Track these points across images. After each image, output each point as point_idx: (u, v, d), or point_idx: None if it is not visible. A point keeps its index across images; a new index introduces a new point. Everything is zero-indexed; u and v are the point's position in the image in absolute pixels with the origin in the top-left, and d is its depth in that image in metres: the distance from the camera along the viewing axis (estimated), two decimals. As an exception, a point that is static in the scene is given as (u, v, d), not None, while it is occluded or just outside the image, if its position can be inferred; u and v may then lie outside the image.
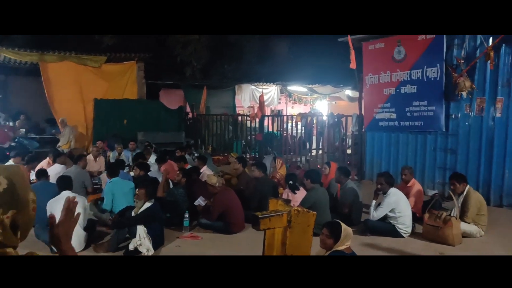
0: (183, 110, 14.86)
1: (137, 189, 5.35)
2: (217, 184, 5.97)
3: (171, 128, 13.14)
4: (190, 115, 15.85)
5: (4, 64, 12.33)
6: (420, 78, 8.61)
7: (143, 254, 5.06)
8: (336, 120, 11.96)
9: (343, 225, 3.56)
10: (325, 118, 13.41)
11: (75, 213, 1.40)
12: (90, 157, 8.96)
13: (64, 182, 5.59)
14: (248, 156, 13.09)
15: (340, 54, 12.99)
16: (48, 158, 7.99)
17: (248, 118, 15.69)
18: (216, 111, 16.72)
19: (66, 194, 5.41)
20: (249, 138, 15.20)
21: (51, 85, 11.77)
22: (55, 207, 5.23)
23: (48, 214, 5.19)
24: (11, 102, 13.84)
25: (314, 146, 14.59)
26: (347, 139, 12.89)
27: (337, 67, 15.99)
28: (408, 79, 8.84)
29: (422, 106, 8.63)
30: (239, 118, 15.78)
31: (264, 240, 2.90)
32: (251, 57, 18.50)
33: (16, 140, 10.88)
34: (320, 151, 12.39)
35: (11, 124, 11.81)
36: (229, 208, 5.95)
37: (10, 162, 7.95)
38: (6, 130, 10.93)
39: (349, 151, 12.36)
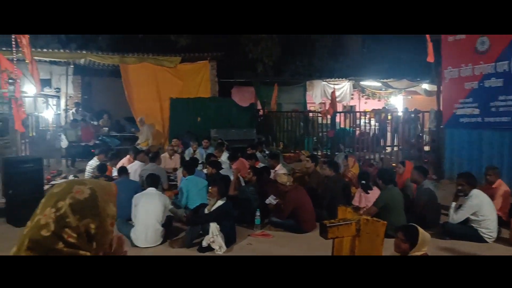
0: (254, 107, 15.02)
1: (210, 187, 5.49)
2: (288, 182, 5.96)
3: (242, 125, 13.33)
4: (261, 112, 15.98)
5: (89, 67, 13.27)
6: (507, 70, 7.94)
7: (215, 251, 5.20)
8: (412, 115, 11.42)
9: (421, 230, 3.38)
10: (400, 113, 12.86)
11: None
12: (165, 155, 9.34)
13: (151, 180, 5.88)
14: (319, 154, 12.93)
15: (416, 47, 12.37)
16: (128, 156, 8.45)
17: (320, 115, 15.48)
18: (287, 107, 16.70)
19: (150, 190, 5.72)
20: (320, 135, 15.00)
21: (131, 85, 12.47)
22: (139, 201, 5.55)
23: (133, 205, 5.54)
24: (95, 102, 14.85)
25: (388, 143, 14.07)
26: (424, 136, 12.26)
27: (413, 60, 15.27)
28: (493, 71, 8.20)
29: (510, 101, 7.96)
30: (310, 114, 15.63)
31: (332, 248, 2.84)
32: (323, 52, 18.22)
33: (100, 138, 11.65)
34: (395, 148, 11.91)
35: (95, 123, 12.66)
36: (300, 206, 5.91)
37: (95, 159, 8.54)
38: (91, 128, 11.74)
39: (426, 149, 11.76)
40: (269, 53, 16.10)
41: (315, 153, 12.18)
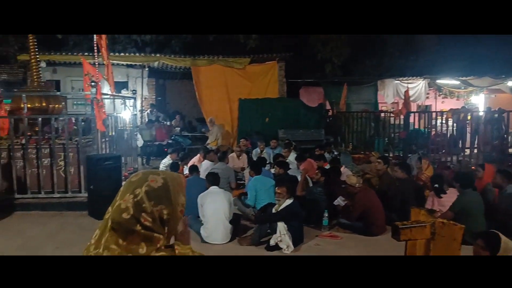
0: (323, 108, 14.82)
1: (277, 187, 5.49)
2: (357, 184, 5.80)
3: (310, 125, 13.20)
4: (330, 113, 15.70)
5: (163, 70, 13.86)
6: None
7: (283, 250, 5.18)
8: (496, 115, 10.63)
9: (503, 237, 3.12)
10: (481, 113, 12.02)
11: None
12: (233, 155, 9.49)
13: (213, 178, 6.02)
14: (390, 155, 12.45)
15: (499, 42, 11.50)
16: (199, 155, 8.70)
17: (392, 115, 14.91)
18: (357, 107, 16.28)
19: (213, 189, 5.85)
20: (392, 136, 14.44)
21: (201, 87, 12.85)
22: (205, 200, 5.70)
23: (199, 206, 5.69)
24: (168, 103, 15.49)
25: (467, 145, 13.21)
26: (509, 137, 11.36)
27: (496, 56, 14.19)
28: None
29: None
30: (382, 114, 15.10)
31: (405, 251, 2.70)
32: (394, 50, 17.54)
33: (172, 137, 12.12)
34: (475, 151, 11.16)
35: (168, 123, 13.19)
36: (370, 209, 5.73)
37: (168, 158, 8.90)
38: (164, 128, 12.25)
39: (511, 151, 10.90)
40: (338, 53, 15.79)
41: (386, 154, 11.75)
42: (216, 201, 5.65)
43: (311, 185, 7.08)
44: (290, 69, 14.08)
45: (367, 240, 5.56)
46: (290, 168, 7.53)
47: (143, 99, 13.69)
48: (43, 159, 6.94)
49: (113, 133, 8.22)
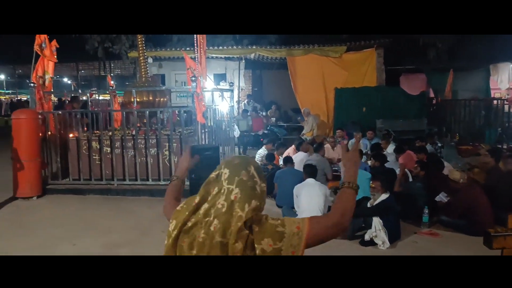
0: (425, 96, 13.95)
1: (372, 181, 5.34)
2: (461, 179, 5.41)
3: (411, 115, 12.51)
4: (433, 101, 14.74)
5: (259, 61, 14.11)
6: None
7: (378, 246, 5.05)
8: None
9: None
10: None
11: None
12: (328, 146, 9.38)
13: (311, 170, 6.05)
14: (505, 147, 11.35)
15: None
16: (293, 146, 8.76)
17: (506, 102, 13.55)
18: (464, 95, 15.08)
19: (310, 181, 5.87)
20: (507, 125, 13.14)
21: (297, 77, 12.86)
22: (300, 191, 5.75)
23: (294, 196, 5.76)
24: (264, 94, 15.77)
25: None
26: None
27: None
28: None
29: None
30: (494, 102, 13.79)
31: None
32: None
33: (268, 128, 12.34)
34: None
35: (264, 113, 13.45)
36: (475, 206, 5.33)
37: (263, 148, 9.10)
38: (261, 119, 12.52)
39: None
40: (443, 37, 14.68)
41: (499, 146, 10.73)
42: (312, 193, 5.66)
43: (410, 179, 6.76)
44: (389, 56, 13.45)
45: (470, 239, 5.18)
46: (387, 161, 7.26)
47: (240, 90, 14.11)
48: (150, 149, 7.51)
49: (212, 124, 8.60)
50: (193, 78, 7.22)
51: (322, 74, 12.81)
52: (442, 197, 5.65)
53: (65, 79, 31.13)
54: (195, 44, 7.75)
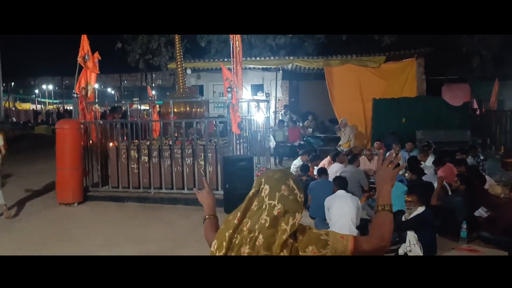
0: (468, 106, 13.47)
1: (407, 195, 5.21)
2: (502, 194, 5.18)
3: (454, 126, 12.10)
4: (477, 112, 14.21)
5: (296, 71, 14.14)
6: None
7: (413, 262, 4.91)
8: None
9: None
10: None
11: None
12: (364, 158, 9.23)
13: (341, 182, 5.98)
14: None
15: None
16: (328, 157, 8.69)
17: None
18: (510, 105, 14.47)
19: (341, 193, 5.80)
20: (555, 137, 12.48)
21: (334, 87, 12.78)
22: (332, 204, 5.68)
23: (326, 209, 5.70)
24: (301, 104, 15.74)
25: None
26: None
27: None
28: None
29: None
30: (543, 113, 13.13)
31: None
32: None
33: (304, 138, 12.29)
34: None
35: (300, 124, 13.41)
36: (519, 223, 5.08)
37: (298, 159, 9.07)
38: (297, 129, 12.50)
39: None
40: (488, 44, 14.17)
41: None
42: (344, 206, 5.58)
43: (450, 193, 6.53)
44: (430, 65, 13.13)
45: (513, 257, 4.93)
46: (425, 174, 7.06)
47: (277, 101, 14.17)
48: (186, 159, 7.66)
49: (247, 135, 8.68)
50: (228, 89, 7.33)
51: (359, 84, 12.67)
52: (482, 212, 5.43)
53: (109, 90, 32.35)
54: (231, 55, 7.86)
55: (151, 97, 9.76)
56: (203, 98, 8.67)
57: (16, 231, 6.28)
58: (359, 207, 5.67)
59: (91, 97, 8.25)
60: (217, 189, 7.47)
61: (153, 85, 27.35)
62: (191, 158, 7.68)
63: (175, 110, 8.29)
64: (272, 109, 13.96)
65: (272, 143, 10.26)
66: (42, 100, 34.22)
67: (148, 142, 7.92)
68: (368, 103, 12.51)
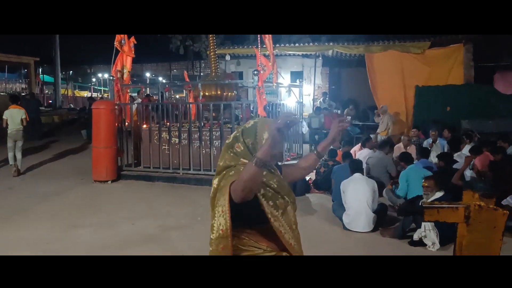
0: (524, 96, 12.61)
1: (424, 180, 5.03)
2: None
3: (505, 116, 11.41)
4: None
5: (337, 58, 13.85)
6: None
7: (427, 247, 4.77)
8: None
9: None
10: None
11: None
12: (400, 145, 8.96)
13: (354, 165, 5.90)
14: None
15: None
16: (360, 144, 8.54)
17: None
18: None
19: (356, 176, 5.71)
20: None
21: (375, 74, 12.41)
22: (347, 187, 5.62)
23: (341, 192, 5.64)
24: (342, 92, 15.44)
25: None
26: None
27: None
28: None
29: None
30: None
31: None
32: None
33: (341, 126, 12.05)
34: None
35: (338, 111, 13.17)
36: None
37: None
38: (333, 116, 12.29)
39: None
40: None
41: None
42: (359, 188, 5.51)
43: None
44: (480, 51, 12.38)
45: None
46: (456, 161, 6.76)
47: (316, 88, 13.99)
48: (214, 141, 7.81)
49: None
50: (255, 72, 7.37)
51: (401, 70, 12.21)
52: (510, 201, 5.13)
53: (160, 78, 33.37)
54: (259, 41, 7.90)
55: (187, 82, 9.98)
56: (229, 81, 8.70)
57: (52, 203, 6.74)
58: (375, 190, 5.57)
59: (126, 79, 8.58)
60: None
61: (202, 73, 27.86)
62: (219, 141, 7.81)
63: (207, 93, 8.45)
64: (311, 96, 13.84)
65: (305, 129, 10.18)
66: (98, 88, 35.94)
67: (178, 124, 8.14)
68: (410, 90, 12.04)
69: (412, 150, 9.01)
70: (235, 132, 2.04)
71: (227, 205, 1.84)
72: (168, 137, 8.11)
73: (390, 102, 12.03)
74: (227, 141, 2.04)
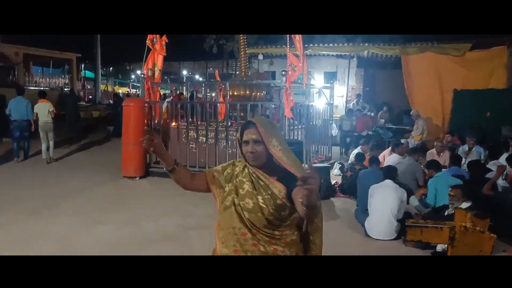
0: None
1: (450, 189, 4.82)
2: None
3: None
4: None
5: (372, 59, 13.54)
6: None
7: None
8: None
9: None
10: None
11: None
12: (433, 151, 8.66)
13: (387, 171, 5.74)
14: None
15: None
16: (390, 148, 8.30)
17: None
18: None
19: (387, 182, 5.54)
20: None
21: (411, 76, 12.05)
22: (375, 192, 5.48)
23: (369, 196, 5.49)
24: (377, 94, 15.08)
25: None
26: None
27: None
28: None
29: None
30: None
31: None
32: None
33: (374, 129, 11.79)
34: None
35: (372, 114, 12.87)
36: None
37: (358, 148, 8.78)
38: (366, 119, 12.03)
39: None
40: None
41: None
42: (386, 195, 5.35)
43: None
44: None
45: None
46: (490, 170, 6.43)
47: (350, 90, 13.74)
48: (241, 141, 7.79)
49: (306, 121, 8.58)
50: (283, 73, 7.30)
51: (439, 73, 11.79)
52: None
53: (197, 76, 33.80)
54: (288, 41, 7.82)
55: (218, 81, 10.03)
56: (257, 81, 8.66)
57: (80, 198, 6.94)
58: (403, 200, 5.39)
59: (157, 78, 8.71)
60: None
61: (237, 72, 27.99)
62: (246, 141, 7.78)
63: (235, 93, 8.47)
64: (344, 97, 13.60)
65: (335, 131, 10.00)
66: (137, 84, 36.78)
67: (205, 124, 8.19)
68: (447, 94, 11.61)
69: (445, 156, 8.68)
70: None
71: None
72: (195, 136, 8.17)
73: (426, 106, 11.67)
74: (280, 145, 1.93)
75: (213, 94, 17.31)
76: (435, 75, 11.81)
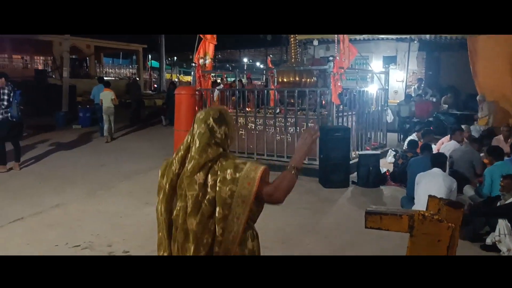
0: None
1: (502, 179, 4.49)
2: None
3: None
4: None
5: (435, 41, 12.76)
6: None
7: (501, 253, 4.28)
8: None
9: None
10: None
11: None
12: (499, 137, 8.07)
13: (435, 159, 5.46)
14: None
15: None
16: (449, 135, 7.86)
17: None
18: None
19: (435, 170, 5.28)
20: None
21: (477, 58, 11.23)
22: (421, 179, 5.27)
23: (415, 184, 5.29)
24: (441, 78, 14.25)
25: None
26: None
27: None
28: None
29: None
30: None
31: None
32: None
33: (435, 115, 11.19)
34: None
35: (435, 99, 12.21)
36: None
37: (414, 135, 8.40)
38: (427, 105, 11.43)
39: None
40: None
41: None
42: (432, 184, 5.09)
43: None
44: None
45: None
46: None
47: (411, 74, 13.10)
48: (289, 128, 7.78)
49: (355, 107, 8.35)
50: (330, 58, 7.15)
51: (509, 55, 10.89)
52: None
53: (258, 63, 33.95)
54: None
55: (271, 68, 10.03)
56: (305, 67, 8.52)
57: (133, 181, 7.33)
58: (452, 190, 5.10)
59: (209, 66, 8.88)
60: (316, 160, 7.43)
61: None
62: (294, 127, 7.75)
63: (285, 79, 8.43)
64: (404, 82, 13.02)
65: (390, 118, 9.61)
66: (200, 73, 37.74)
67: (254, 110, 8.24)
68: (519, 77, 10.72)
69: (512, 144, 8.08)
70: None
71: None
72: (245, 122, 8.26)
73: (493, 90, 10.86)
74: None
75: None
76: (505, 57, 10.90)
